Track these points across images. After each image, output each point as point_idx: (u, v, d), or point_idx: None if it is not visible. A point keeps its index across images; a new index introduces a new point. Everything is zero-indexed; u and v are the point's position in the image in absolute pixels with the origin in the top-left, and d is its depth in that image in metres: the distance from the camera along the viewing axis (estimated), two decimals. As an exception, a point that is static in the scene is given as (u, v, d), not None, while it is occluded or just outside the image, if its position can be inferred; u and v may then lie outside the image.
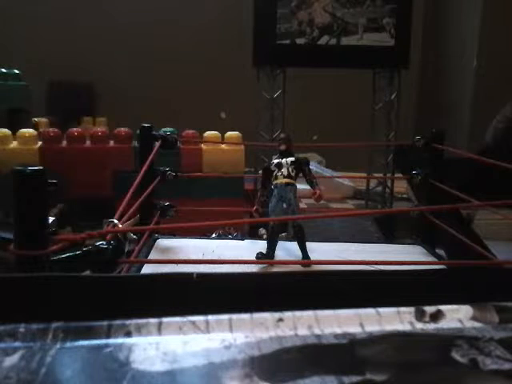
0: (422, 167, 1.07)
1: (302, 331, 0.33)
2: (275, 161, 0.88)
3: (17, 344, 0.31)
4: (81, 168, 2.02)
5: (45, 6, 3.71)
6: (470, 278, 0.41)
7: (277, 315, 0.34)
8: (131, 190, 0.74)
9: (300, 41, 2.73)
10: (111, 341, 0.32)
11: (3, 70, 2.49)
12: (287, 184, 0.85)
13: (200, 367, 0.30)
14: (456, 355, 0.31)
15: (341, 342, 0.33)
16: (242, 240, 1.02)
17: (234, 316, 0.34)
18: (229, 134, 2.11)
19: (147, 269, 0.77)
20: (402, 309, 0.36)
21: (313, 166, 1.02)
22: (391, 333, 0.34)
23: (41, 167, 0.51)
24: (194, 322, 0.33)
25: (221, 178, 1.99)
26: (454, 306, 0.36)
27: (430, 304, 0.36)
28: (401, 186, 3.05)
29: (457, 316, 0.35)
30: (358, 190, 3.19)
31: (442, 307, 0.36)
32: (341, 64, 2.78)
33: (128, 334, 0.32)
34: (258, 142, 2.73)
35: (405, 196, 3.09)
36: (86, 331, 0.32)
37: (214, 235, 1.53)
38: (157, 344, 0.31)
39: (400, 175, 2.40)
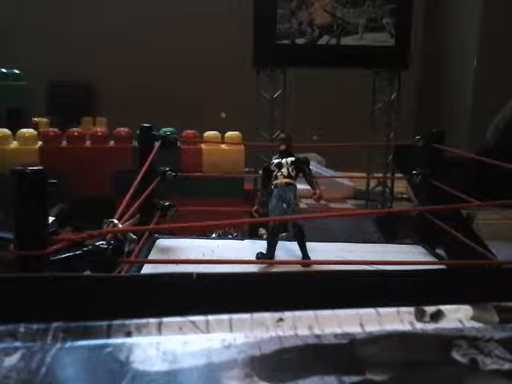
0: (422, 167, 1.07)
1: (302, 331, 0.33)
2: (275, 161, 0.88)
3: (17, 344, 0.31)
4: (81, 168, 2.02)
5: (45, 7, 3.71)
6: (470, 278, 0.41)
7: (277, 315, 0.34)
8: (131, 190, 0.74)
9: (300, 41, 2.73)
10: (111, 341, 0.32)
11: (3, 70, 2.49)
12: (287, 184, 0.85)
13: (200, 367, 0.30)
14: (456, 355, 0.31)
15: (341, 341, 0.33)
16: (242, 240, 1.02)
17: (234, 316, 0.34)
18: (229, 133, 2.11)
19: (147, 269, 0.77)
20: (402, 309, 0.36)
21: (313, 166, 1.02)
22: (391, 333, 0.34)
23: (41, 167, 0.51)
24: (194, 322, 0.33)
25: (221, 177, 1.99)
26: (454, 306, 0.36)
27: (429, 304, 0.36)
28: (401, 186, 3.06)
29: (457, 316, 0.35)
30: (357, 190, 3.19)
31: (442, 307, 0.36)
32: (341, 64, 2.78)
33: (128, 334, 0.32)
34: (258, 142, 2.73)
35: (405, 196, 3.09)
36: (86, 331, 0.32)
37: (214, 235, 1.53)
38: (157, 344, 0.31)
39: (400, 175, 2.40)
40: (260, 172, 0.93)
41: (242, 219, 1.26)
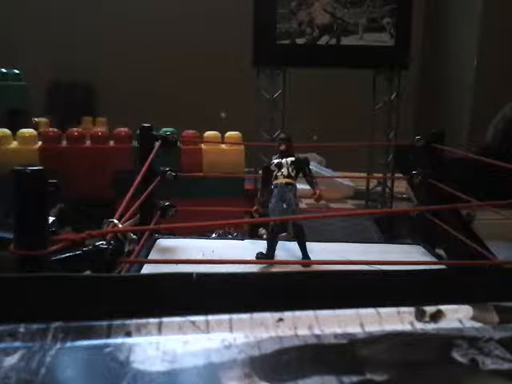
0: (422, 167, 1.07)
1: (302, 331, 0.33)
2: (275, 161, 0.88)
3: (17, 344, 0.31)
4: (81, 168, 2.02)
5: (45, 7, 3.71)
6: (470, 278, 0.41)
7: (277, 315, 0.34)
8: (131, 190, 0.74)
9: (300, 41, 2.73)
10: (111, 341, 0.32)
11: (3, 70, 2.49)
12: (287, 184, 0.85)
13: (200, 367, 0.30)
14: (456, 355, 0.31)
15: (341, 341, 0.33)
16: (242, 240, 1.02)
17: (234, 316, 0.34)
18: (229, 133, 2.11)
19: (147, 269, 0.77)
20: (402, 309, 0.36)
21: (313, 166, 1.02)
22: (391, 333, 0.34)
23: (41, 167, 0.51)
24: (194, 322, 0.33)
25: (221, 177, 1.99)
26: (454, 306, 0.36)
27: (430, 304, 0.36)
28: (401, 186, 3.06)
29: (457, 316, 0.35)
30: (357, 190, 3.19)
31: (442, 307, 0.36)
32: (341, 64, 2.78)
33: (128, 334, 0.32)
34: (258, 142, 2.73)
35: (405, 196, 3.09)
36: (86, 331, 0.32)
37: (213, 235, 1.53)
38: (157, 344, 0.31)
39: (400, 175, 2.40)
40: (260, 172, 0.93)
41: (241, 219, 1.26)
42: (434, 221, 1.00)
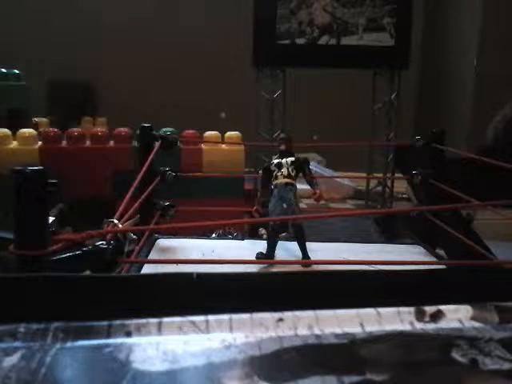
0: (422, 167, 1.07)
1: (302, 331, 0.33)
2: (275, 161, 0.88)
3: (17, 344, 0.31)
4: (81, 168, 2.02)
5: (45, 7, 3.71)
6: (470, 278, 0.41)
7: (277, 315, 0.34)
8: (131, 190, 0.74)
9: (300, 41, 2.73)
10: (111, 341, 0.32)
11: (3, 70, 2.49)
12: (287, 184, 0.85)
13: (200, 367, 0.30)
14: (456, 355, 0.31)
15: (341, 341, 0.33)
16: (242, 240, 1.02)
17: (234, 316, 0.34)
18: (229, 133, 2.11)
19: (147, 269, 0.77)
20: (402, 309, 0.36)
21: (313, 166, 1.02)
22: (391, 333, 0.34)
23: (41, 167, 0.51)
24: (194, 322, 0.33)
25: (221, 177, 1.99)
26: (454, 306, 0.36)
27: (430, 304, 0.36)
28: (401, 186, 3.06)
29: (457, 316, 0.35)
30: (358, 190, 3.19)
31: (442, 307, 0.36)
32: (341, 64, 2.78)
33: (128, 334, 0.32)
34: (258, 142, 2.73)
35: (405, 196, 3.09)
36: (86, 331, 0.32)
37: (214, 235, 1.53)
38: (157, 344, 0.31)
39: (400, 175, 2.40)
40: (260, 172, 0.93)
41: (242, 219, 1.26)
42: (434, 221, 1.00)
